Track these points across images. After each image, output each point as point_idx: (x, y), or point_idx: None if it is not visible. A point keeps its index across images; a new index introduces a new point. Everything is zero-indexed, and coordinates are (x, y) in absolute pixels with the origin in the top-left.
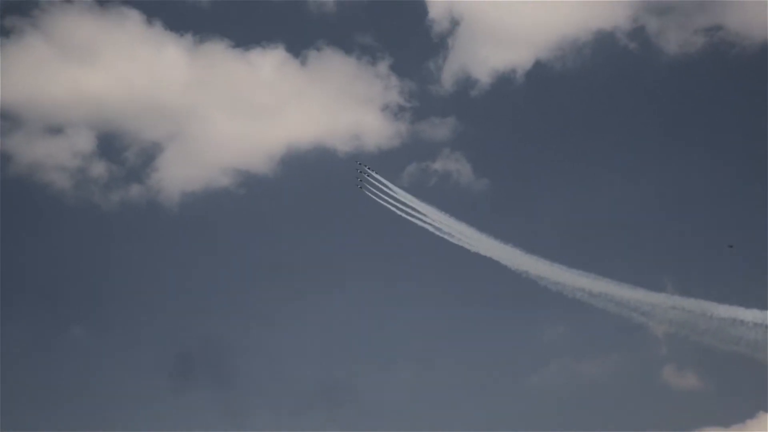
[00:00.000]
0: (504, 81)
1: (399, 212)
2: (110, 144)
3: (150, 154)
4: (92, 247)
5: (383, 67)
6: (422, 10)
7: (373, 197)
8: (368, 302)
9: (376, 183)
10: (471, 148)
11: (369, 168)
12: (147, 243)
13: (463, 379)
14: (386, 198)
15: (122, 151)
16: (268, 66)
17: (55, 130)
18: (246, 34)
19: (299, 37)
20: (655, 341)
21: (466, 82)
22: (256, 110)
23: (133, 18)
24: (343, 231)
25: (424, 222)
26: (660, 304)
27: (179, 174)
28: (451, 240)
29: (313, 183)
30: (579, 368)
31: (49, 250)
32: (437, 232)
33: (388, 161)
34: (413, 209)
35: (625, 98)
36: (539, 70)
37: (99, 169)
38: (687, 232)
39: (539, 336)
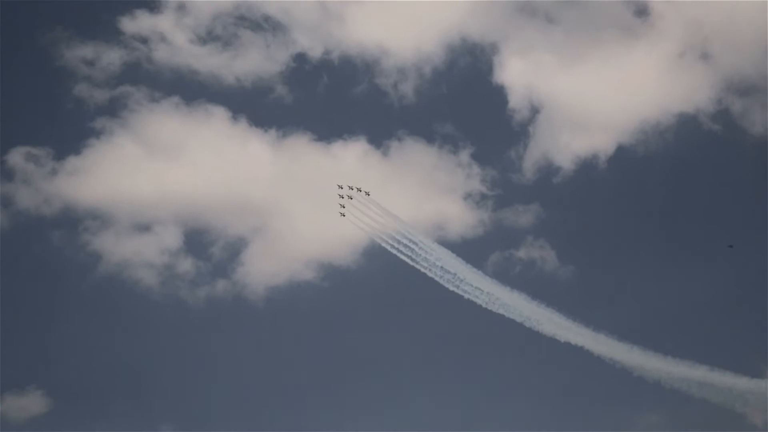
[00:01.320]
0: (586, 166)
1: (482, 304)
2: (196, 240)
3: (235, 249)
4: (180, 343)
5: (465, 155)
6: (502, 99)
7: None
8: (459, 395)
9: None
10: (555, 235)
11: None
12: (233, 338)
13: None
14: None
15: (208, 247)
16: (350, 158)
17: (143, 227)
18: (328, 127)
19: (380, 128)
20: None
21: (548, 169)
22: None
23: (219, 115)
24: (430, 322)
25: (510, 312)
26: (763, 393)
27: (264, 268)
28: (539, 329)
29: (398, 274)
30: None
31: (138, 347)
32: (526, 323)
33: (472, 250)
34: (498, 299)
35: (711, 180)
36: (622, 155)
37: (186, 265)
38: None
39: (634, 427)
